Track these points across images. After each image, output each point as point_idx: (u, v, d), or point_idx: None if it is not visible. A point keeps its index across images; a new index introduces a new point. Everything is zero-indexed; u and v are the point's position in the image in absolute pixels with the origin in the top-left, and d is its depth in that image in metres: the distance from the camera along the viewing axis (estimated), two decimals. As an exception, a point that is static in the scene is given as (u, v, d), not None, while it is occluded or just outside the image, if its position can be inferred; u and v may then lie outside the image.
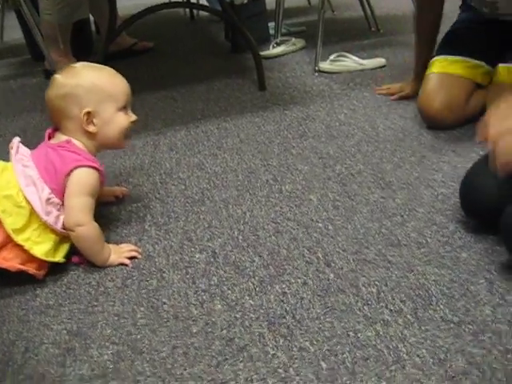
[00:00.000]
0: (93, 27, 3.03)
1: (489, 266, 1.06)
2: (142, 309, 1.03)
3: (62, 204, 1.14)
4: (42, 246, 1.11)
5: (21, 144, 1.21)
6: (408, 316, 0.95)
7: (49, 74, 2.53)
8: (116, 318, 1.02)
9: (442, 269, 1.06)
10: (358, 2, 2.85)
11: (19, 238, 1.07)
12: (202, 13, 3.64)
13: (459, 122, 1.61)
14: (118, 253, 1.17)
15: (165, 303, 1.04)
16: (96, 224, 1.15)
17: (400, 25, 2.87)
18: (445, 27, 1.77)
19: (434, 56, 1.71)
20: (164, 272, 1.13)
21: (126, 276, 1.13)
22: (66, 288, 1.11)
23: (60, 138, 1.19)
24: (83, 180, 1.13)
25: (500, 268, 1.04)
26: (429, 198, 1.30)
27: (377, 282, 1.04)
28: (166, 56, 2.77)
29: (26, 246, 1.08)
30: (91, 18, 2.85)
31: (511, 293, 0.98)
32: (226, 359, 0.90)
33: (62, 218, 1.14)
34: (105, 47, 1.99)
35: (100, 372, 0.91)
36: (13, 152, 1.17)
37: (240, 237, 1.21)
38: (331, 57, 2.29)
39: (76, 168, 1.12)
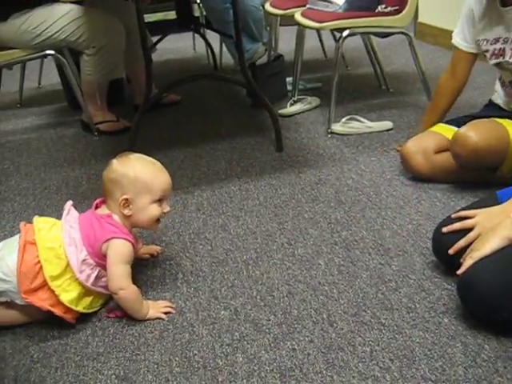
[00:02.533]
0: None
1: (465, 331, 1.27)
2: (176, 358, 1.26)
3: (95, 265, 1.38)
4: (68, 294, 1.34)
5: (72, 207, 1.46)
6: (395, 373, 1.17)
7: (85, 126, 2.81)
8: (155, 366, 1.24)
9: (426, 332, 1.27)
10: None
11: (53, 284, 1.32)
12: (225, 62, 3.91)
13: (430, 168, 1.93)
14: (156, 308, 1.40)
15: (195, 354, 1.27)
16: (134, 286, 1.38)
17: (409, 84, 3.12)
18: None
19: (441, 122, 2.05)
20: (194, 326, 1.35)
21: (162, 329, 1.35)
22: (113, 338, 1.34)
23: (104, 210, 1.44)
24: (120, 250, 1.37)
25: (474, 333, 1.25)
26: (421, 265, 1.51)
27: (371, 342, 1.25)
28: (192, 110, 3.03)
29: (57, 291, 1.32)
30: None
31: (481, 356, 1.19)
32: (246, 405, 1.12)
33: (93, 276, 1.38)
34: (140, 115, 2.24)
35: (144, 412, 1.13)
36: (64, 213, 1.43)
37: (258, 296, 1.44)
38: (343, 119, 2.53)
39: (112, 238, 1.37)
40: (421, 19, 4.09)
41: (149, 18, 4.71)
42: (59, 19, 2.49)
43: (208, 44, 3.88)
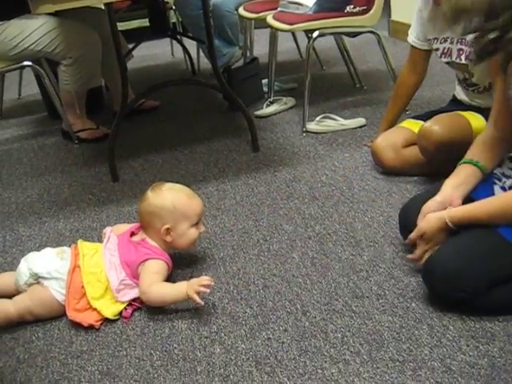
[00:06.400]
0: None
1: (432, 313, 1.33)
2: (157, 352, 1.31)
3: (133, 285, 1.47)
4: (110, 310, 1.44)
5: (112, 234, 1.57)
6: (364, 356, 1.23)
7: (66, 135, 2.85)
8: (137, 361, 1.30)
9: (395, 317, 1.34)
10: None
11: (95, 303, 1.42)
12: (203, 66, 3.97)
13: (400, 162, 2.00)
14: (190, 288, 1.39)
15: (175, 348, 1.32)
16: (157, 287, 1.43)
17: (382, 81, 3.18)
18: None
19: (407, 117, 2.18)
20: (174, 322, 1.41)
21: (143, 325, 1.41)
22: (96, 336, 1.39)
23: (141, 235, 1.55)
24: (153, 266, 1.47)
25: (440, 315, 1.32)
26: (391, 254, 1.58)
27: (342, 329, 1.32)
28: (170, 114, 3.08)
29: (100, 309, 1.42)
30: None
31: (446, 336, 1.26)
32: (223, 392, 1.18)
33: (129, 295, 1.47)
34: (118, 121, 2.29)
35: (126, 404, 1.18)
36: (105, 241, 1.55)
37: (235, 291, 1.50)
38: (317, 118, 2.59)
39: (147, 260, 1.47)
40: (394, 17, 4.17)
41: (125, 25, 4.75)
42: (35, 31, 2.53)
43: (185, 49, 3.93)
